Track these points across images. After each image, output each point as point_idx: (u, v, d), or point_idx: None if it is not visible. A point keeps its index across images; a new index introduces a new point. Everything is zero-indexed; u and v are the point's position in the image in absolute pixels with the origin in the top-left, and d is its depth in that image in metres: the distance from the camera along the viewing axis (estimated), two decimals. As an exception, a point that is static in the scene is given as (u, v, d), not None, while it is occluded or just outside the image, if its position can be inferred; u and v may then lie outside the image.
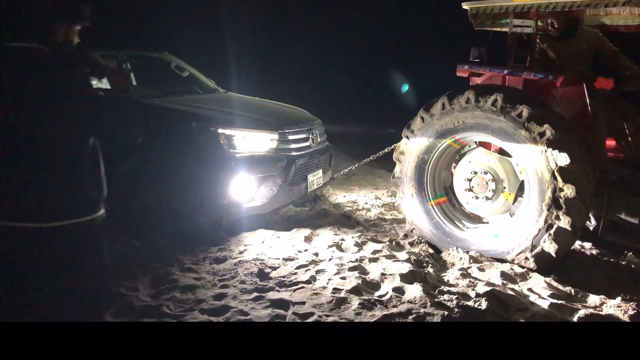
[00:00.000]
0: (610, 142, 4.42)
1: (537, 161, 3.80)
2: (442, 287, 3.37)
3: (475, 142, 4.44)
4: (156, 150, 4.14)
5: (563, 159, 3.71)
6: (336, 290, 3.26)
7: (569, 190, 3.70)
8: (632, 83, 4.47)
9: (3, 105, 1.91)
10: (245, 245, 4.03)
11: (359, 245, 4.17)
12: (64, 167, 2.04)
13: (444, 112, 4.23)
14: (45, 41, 2.01)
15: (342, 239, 4.28)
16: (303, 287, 3.30)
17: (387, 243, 4.30)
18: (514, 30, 4.23)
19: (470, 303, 3.14)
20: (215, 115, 4.36)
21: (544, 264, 3.84)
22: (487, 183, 4.21)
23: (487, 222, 4.49)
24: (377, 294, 3.29)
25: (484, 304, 3.12)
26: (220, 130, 4.16)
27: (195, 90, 5.56)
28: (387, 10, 14.47)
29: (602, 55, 4.54)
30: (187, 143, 4.16)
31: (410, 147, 4.47)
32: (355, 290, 3.27)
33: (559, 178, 3.72)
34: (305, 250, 4.00)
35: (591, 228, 4.36)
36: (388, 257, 3.93)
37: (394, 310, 3.04)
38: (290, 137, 4.58)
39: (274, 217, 4.71)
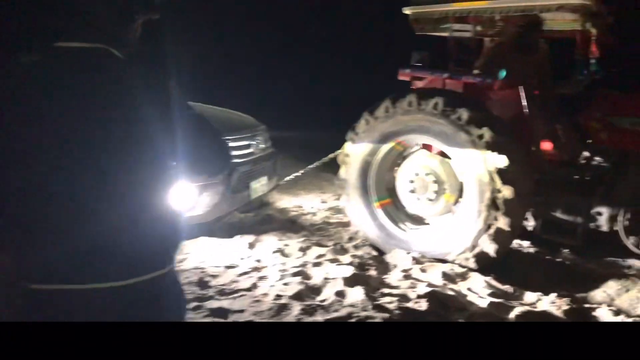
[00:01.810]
0: (548, 144, 4.66)
1: (477, 163, 3.97)
2: (384, 289, 3.48)
3: (418, 145, 4.59)
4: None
5: (502, 161, 3.89)
6: (278, 296, 3.31)
7: (507, 192, 3.88)
8: (566, 86, 4.73)
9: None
10: (185, 254, 4.02)
11: (303, 250, 4.23)
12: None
13: (387, 115, 4.36)
14: (115, 41, 1.41)
15: (286, 244, 4.34)
16: (244, 295, 3.34)
17: (332, 247, 4.38)
18: (454, 35, 4.41)
19: (411, 304, 3.26)
20: None
21: (483, 264, 4.01)
22: (429, 185, 4.35)
23: (429, 224, 4.64)
24: (319, 298, 3.36)
25: (424, 305, 3.24)
26: None
27: None
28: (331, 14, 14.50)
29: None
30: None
31: (354, 150, 4.58)
32: (297, 296, 3.32)
33: (497, 180, 3.90)
34: (248, 257, 4.04)
35: (530, 227, 4.57)
36: (332, 261, 4.01)
37: (335, 314, 3.11)
38: (232, 145, 4.60)
39: (217, 225, 4.70)
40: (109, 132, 1.32)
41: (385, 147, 4.46)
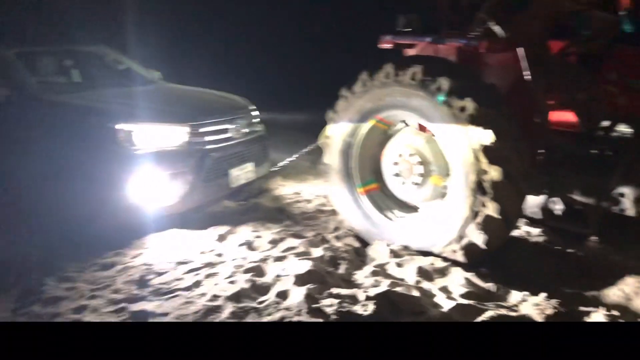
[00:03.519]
0: (556, 114, 4.08)
1: (460, 140, 3.52)
2: (335, 289, 3.16)
3: (402, 122, 4.17)
4: (57, 149, 4.09)
5: (487, 137, 3.42)
6: (214, 297, 3.11)
7: (495, 173, 3.40)
8: (590, 44, 4.09)
9: None
10: (144, 248, 3.92)
11: (274, 243, 3.99)
12: None
13: (364, 90, 3.98)
14: None
15: (259, 236, 4.12)
16: (178, 295, 3.16)
17: (310, 238, 4.10)
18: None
19: (356, 307, 2.93)
20: (114, 110, 4.24)
21: (474, 257, 3.58)
22: (413, 166, 3.94)
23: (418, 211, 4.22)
24: (259, 299, 3.12)
25: (370, 309, 2.90)
26: (117, 126, 4.05)
27: (123, 83, 5.45)
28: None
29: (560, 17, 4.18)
30: (86, 140, 4.08)
31: (335, 131, 4.24)
32: (235, 297, 3.10)
33: (482, 159, 3.43)
34: (211, 251, 3.86)
35: (538, 213, 4.04)
36: (299, 254, 3.74)
37: (267, 318, 2.87)
38: (204, 129, 4.43)
39: (196, 215, 4.56)
40: None
41: (366, 126, 4.08)
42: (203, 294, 3.17)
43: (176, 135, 4.26)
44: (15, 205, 4.24)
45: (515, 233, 4.02)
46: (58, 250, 3.83)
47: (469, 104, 3.45)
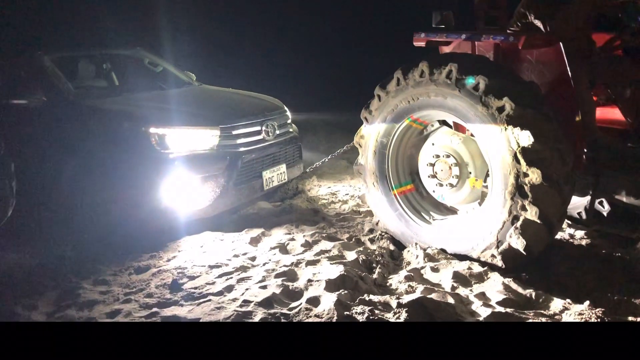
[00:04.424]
0: (608, 111, 3.92)
1: (498, 141, 3.43)
2: (368, 295, 3.13)
3: (440, 122, 4.09)
4: (94, 154, 4.21)
5: (526, 138, 3.31)
6: (245, 302, 3.13)
7: (534, 175, 3.30)
8: (638, 36, 3.93)
9: None
10: (178, 251, 3.98)
11: (308, 245, 3.99)
12: None
13: (399, 89, 3.91)
14: None
15: (293, 239, 4.13)
16: (210, 300, 3.19)
17: (344, 240, 4.09)
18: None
19: (389, 315, 2.90)
20: (147, 114, 4.32)
21: (513, 262, 3.48)
22: (450, 168, 3.86)
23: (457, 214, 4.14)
24: (291, 305, 3.12)
25: (402, 317, 2.86)
26: (151, 130, 4.13)
27: (158, 87, 5.56)
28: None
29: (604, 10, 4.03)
30: (121, 145, 4.18)
31: (369, 130, 4.19)
32: (266, 302, 3.11)
33: (522, 161, 3.33)
34: (244, 254, 3.89)
35: (584, 215, 3.91)
36: (332, 258, 3.73)
37: (297, 326, 2.86)
38: (236, 132, 4.47)
39: (230, 217, 4.61)
40: None
41: (401, 126, 4.02)
42: (234, 299, 3.19)
43: (208, 138, 4.32)
44: (51, 208, 4.38)
45: (557, 236, 3.89)
46: (94, 252, 3.93)
47: (507, 104, 3.35)
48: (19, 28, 7.61)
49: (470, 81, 3.45)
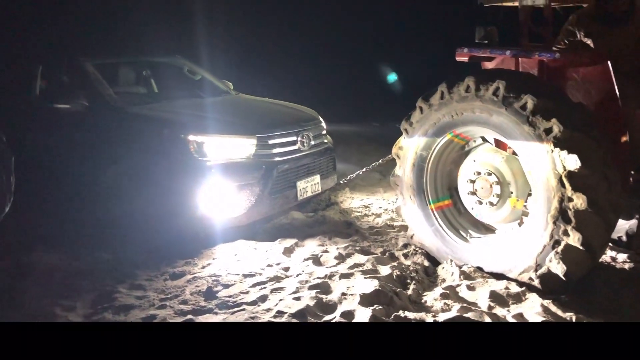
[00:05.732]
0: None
1: (543, 163, 3.41)
2: (402, 312, 3.15)
3: (482, 138, 4.08)
4: (133, 160, 4.32)
5: (572, 162, 3.28)
6: (279, 313, 3.18)
7: (579, 201, 3.28)
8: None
9: None
10: (213, 259, 4.06)
11: (341, 258, 4.03)
12: None
13: (442, 103, 3.91)
14: None
15: (326, 251, 4.17)
16: (244, 310, 3.26)
17: (378, 255, 4.12)
18: (525, 4, 3.80)
19: (424, 337, 2.91)
20: (186, 122, 4.43)
21: (551, 287, 3.46)
22: (491, 186, 3.86)
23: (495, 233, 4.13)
24: (325, 318, 3.17)
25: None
26: (190, 137, 4.23)
27: (197, 95, 5.66)
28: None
29: None
30: (159, 151, 4.29)
31: (409, 143, 4.20)
32: (300, 314, 3.16)
33: (567, 185, 3.31)
34: (277, 264, 3.94)
35: (626, 238, 3.87)
36: (366, 272, 3.76)
37: (332, 342, 2.90)
38: (272, 142, 4.55)
39: (263, 226, 4.69)
40: None
41: (442, 140, 4.02)
42: (268, 309, 3.25)
43: (245, 147, 4.40)
44: (89, 212, 4.50)
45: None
46: (130, 257, 4.04)
47: (555, 126, 3.33)
48: (62, 34, 7.83)
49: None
